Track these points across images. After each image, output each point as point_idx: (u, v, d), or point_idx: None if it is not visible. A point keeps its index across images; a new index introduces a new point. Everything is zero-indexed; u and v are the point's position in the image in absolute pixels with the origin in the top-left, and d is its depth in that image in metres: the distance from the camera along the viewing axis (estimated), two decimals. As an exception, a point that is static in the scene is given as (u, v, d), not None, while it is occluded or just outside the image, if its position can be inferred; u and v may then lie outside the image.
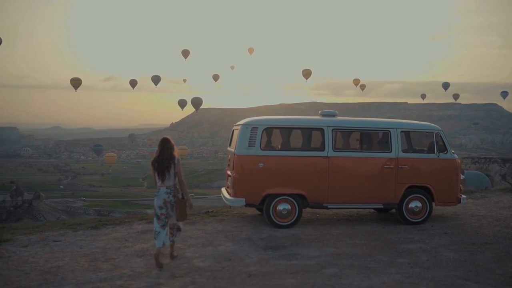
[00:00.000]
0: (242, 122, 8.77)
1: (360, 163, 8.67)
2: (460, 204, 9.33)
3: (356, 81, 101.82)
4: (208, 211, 10.09)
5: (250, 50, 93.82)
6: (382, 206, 8.82)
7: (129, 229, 8.20)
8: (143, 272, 5.81)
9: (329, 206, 8.64)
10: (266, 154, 8.40)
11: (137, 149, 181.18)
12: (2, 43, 61.03)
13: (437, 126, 9.17)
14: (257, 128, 8.42)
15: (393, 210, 9.19)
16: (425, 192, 8.81)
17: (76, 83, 76.18)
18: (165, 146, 6.33)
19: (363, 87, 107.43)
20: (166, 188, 6.22)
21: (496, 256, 6.71)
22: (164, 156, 6.27)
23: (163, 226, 6.19)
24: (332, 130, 8.57)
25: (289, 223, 8.39)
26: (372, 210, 10.00)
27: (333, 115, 9.08)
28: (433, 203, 8.89)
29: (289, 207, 8.39)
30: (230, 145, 9.24)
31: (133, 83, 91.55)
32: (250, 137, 8.36)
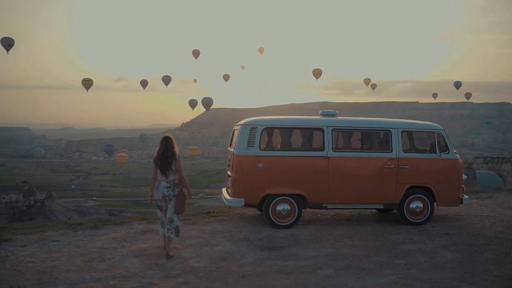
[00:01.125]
0: (241, 122, 8.76)
1: (360, 163, 8.61)
2: (464, 204, 9.23)
3: (367, 81, 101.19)
4: (209, 211, 10.10)
5: (261, 50, 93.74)
6: (382, 207, 8.76)
7: (128, 229, 8.23)
8: (137, 272, 5.82)
9: (329, 207, 8.60)
10: (265, 154, 8.37)
11: (148, 149, 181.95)
12: (15, 44, 61.75)
13: (438, 125, 9.08)
14: (256, 128, 8.40)
15: (395, 211, 9.12)
16: (427, 192, 8.72)
17: (87, 83, 76.74)
18: (168, 144, 6.71)
19: (374, 86, 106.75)
20: (167, 182, 6.59)
21: (496, 257, 6.62)
22: (167, 153, 6.64)
23: (165, 216, 6.67)
24: (332, 130, 8.52)
25: (288, 223, 8.36)
26: (374, 211, 9.93)
27: (334, 115, 9.03)
28: (435, 204, 8.80)
29: (289, 208, 8.36)
30: (230, 145, 9.23)
31: (144, 83, 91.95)
32: (249, 137, 8.34)
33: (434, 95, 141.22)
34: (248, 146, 8.33)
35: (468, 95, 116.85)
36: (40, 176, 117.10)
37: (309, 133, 8.76)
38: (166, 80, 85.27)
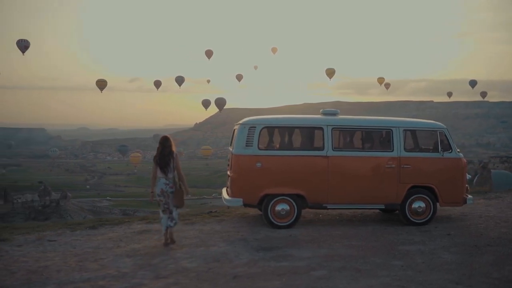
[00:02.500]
0: (240, 121, 8.69)
1: (360, 162, 8.48)
2: (469, 204, 9.06)
3: (380, 80, 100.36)
4: (211, 211, 10.05)
5: (274, 50, 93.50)
6: (383, 207, 8.63)
7: (126, 229, 8.21)
8: (128, 272, 5.78)
9: (328, 207, 8.49)
10: (264, 154, 8.29)
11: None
12: (30, 46, 62.49)
13: (441, 124, 8.91)
14: (255, 127, 8.32)
15: (398, 211, 8.97)
16: (429, 192, 8.56)
17: (101, 84, 77.33)
18: (166, 143, 7.16)
19: (387, 86, 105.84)
20: (166, 179, 7.05)
21: (496, 259, 6.45)
22: (165, 152, 7.10)
23: (164, 211, 7.08)
24: (331, 129, 8.41)
25: (287, 223, 8.26)
26: (377, 211, 9.78)
27: (334, 114, 8.91)
28: (438, 204, 8.63)
29: (288, 208, 8.26)
30: (230, 145, 9.17)
31: (157, 84, 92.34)
32: (247, 136, 8.27)
33: (449, 94, 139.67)
34: (246, 146, 8.26)
35: (483, 94, 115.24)
36: (55, 176, 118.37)
37: (309, 132, 8.64)
38: (179, 80, 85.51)
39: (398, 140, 8.49)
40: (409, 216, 8.52)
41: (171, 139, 7.22)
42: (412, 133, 8.88)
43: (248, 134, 8.27)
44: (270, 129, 8.58)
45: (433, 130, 8.77)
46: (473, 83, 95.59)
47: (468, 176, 8.98)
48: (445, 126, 8.83)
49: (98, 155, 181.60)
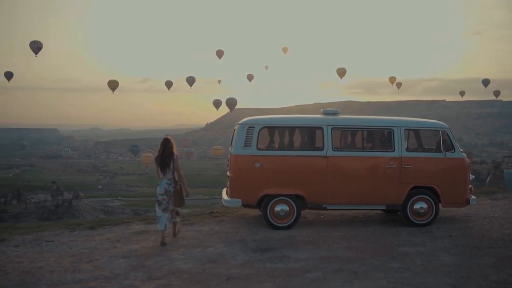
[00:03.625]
0: (240, 121, 8.64)
1: (360, 162, 8.38)
2: (474, 205, 8.97)
3: (392, 79, 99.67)
4: (212, 212, 10.01)
5: (284, 50, 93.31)
6: (384, 208, 8.52)
7: (125, 230, 8.19)
8: (121, 273, 5.75)
9: (328, 207, 8.40)
10: (263, 154, 8.22)
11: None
12: (43, 48, 63.01)
13: (444, 123, 8.77)
14: (254, 127, 8.26)
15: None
16: (431, 193, 8.43)
17: (113, 85, 77.72)
18: (166, 145, 7.40)
19: (399, 85, 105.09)
20: (167, 180, 7.27)
21: (496, 261, 6.31)
22: (165, 153, 7.33)
23: (164, 210, 7.26)
24: (331, 129, 8.31)
25: (287, 224, 8.18)
26: (379, 211, 9.66)
27: (335, 114, 8.82)
28: (440, 205, 8.50)
29: (287, 208, 8.19)
30: (231, 145, 9.11)
31: (168, 84, 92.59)
32: (246, 136, 8.21)
33: (462, 93, 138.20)
34: (245, 146, 8.20)
35: (496, 93, 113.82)
36: (68, 176, 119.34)
37: (308, 132, 8.55)
38: (190, 80, 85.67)
39: (399, 140, 8.37)
40: (410, 217, 8.40)
41: (172, 141, 7.47)
42: (414, 133, 8.76)
43: (246, 134, 8.22)
44: (269, 129, 8.51)
45: (435, 130, 8.64)
46: (486, 82, 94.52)
47: (471, 177, 8.82)
48: (447, 126, 8.69)
49: (110, 155, 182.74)
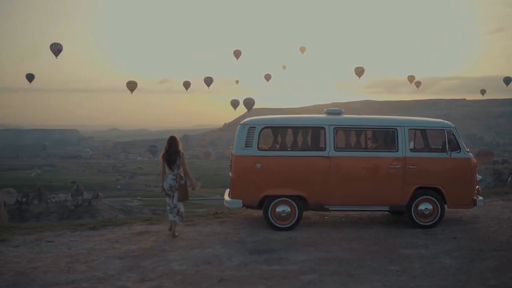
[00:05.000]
0: (241, 122, 8.59)
1: (363, 163, 8.24)
2: (483, 206, 8.85)
3: (411, 78, 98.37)
4: (216, 212, 9.98)
5: (302, 49, 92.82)
6: (388, 209, 8.37)
7: (126, 230, 8.20)
8: (115, 274, 5.75)
9: (330, 208, 8.29)
10: (264, 154, 8.15)
11: (191, 149, 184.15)
12: (63, 50, 63.89)
13: (449, 123, 8.58)
14: (255, 127, 8.20)
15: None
16: (436, 193, 8.25)
17: (132, 86, 78.33)
18: (173, 143, 7.78)
19: (418, 84, 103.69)
20: (173, 175, 7.67)
21: (499, 264, 6.13)
22: (171, 150, 7.72)
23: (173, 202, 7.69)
24: (334, 129, 8.20)
25: (288, 225, 8.10)
26: (385, 212, 9.50)
27: (339, 113, 8.70)
28: (446, 206, 8.32)
29: (289, 209, 8.11)
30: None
31: (186, 85, 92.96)
32: (247, 137, 8.15)
33: (483, 92, 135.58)
34: (246, 146, 8.14)
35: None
36: (87, 176, 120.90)
37: (310, 132, 8.46)
38: (208, 81, 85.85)
39: (403, 139, 8.21)
40: (415, 218, 8.23)
41: (178, 139, 7.85)
42: (418, 132, 8.60)
43: (247, 134, 8.16)
44: (270, 129, 8.44)
45: (440, 129, 8.46)
46: (507, 80, 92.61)
47: (478, 177, 8.61)
48: (453, 125, 8.50)
49: (129, 155, 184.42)
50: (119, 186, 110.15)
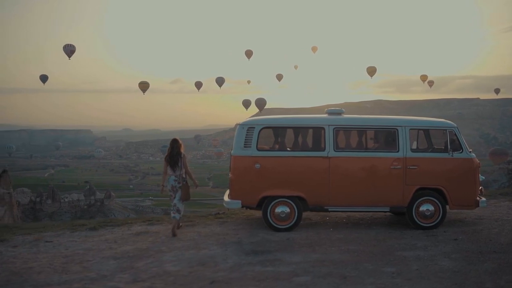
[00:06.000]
0: (240, 122, 8.55)
1: (363, 163, 8.15)
2: (486, 207, 8.68)
3: (423, 77, 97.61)
4: (218, 213, 9.95)
5: (314, 49, 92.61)
6: (388, 210, 8.27)
7: (125, 231, 8.21)
8: (107, 275, 5.74)
9: (330, 209, 8.21)
10: (263, 155, 8.11)
11: (203, 149, 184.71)
12: (76, 51, 64.40)
13: (451, 122, 8.45)
14: (254, 128, 8.16)
15: None
16: (438, 194, 8.14)
17: (144, 86, 78.74)
18: (175, 145, 8.09)
19: (431, 83, 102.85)
20: (175, 176, 8.01)
21: (497, 267, 6.01)
22: (174, 152, 8.02)
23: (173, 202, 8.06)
24: (333, 129, 8.13)
25: (287, 226, 8.05)
26: (388, 213, 9.40)
27: (339, 114, 8.63)
28: (447, 207, 8.20)
29: (288, 210, 8.06)
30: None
31: (198, 85, 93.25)
32: (246, 137, 8.12)
33: (497, 91, 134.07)
34: (245, 147, 8.11)
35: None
36: (100, 176, 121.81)
37: (309, 133, 8.40)
38: (220, 81, 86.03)
39: (403, 140, 8.12)
40: (416, 220, 8.13)
41: (180, 141, 8.16)
42: (419, 132, 8.49)
43: (246, 134, 8.12)
44: (270, 129, 8.40)
45: (442, 129, 8.35)
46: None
47: (481, 178, 8.47)
48: (455, 125, 8.37)
49: (141, 155, 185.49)
50: (131, 186, 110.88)
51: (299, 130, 8.45)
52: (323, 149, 8.09)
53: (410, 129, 8.22)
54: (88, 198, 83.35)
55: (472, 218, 9.00)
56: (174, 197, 8.02)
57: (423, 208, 8.12)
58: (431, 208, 8.12)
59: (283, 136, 8.44)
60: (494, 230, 8.07)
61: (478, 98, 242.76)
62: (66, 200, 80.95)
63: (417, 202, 8.12)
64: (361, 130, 8.50)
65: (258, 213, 9.35)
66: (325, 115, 8.55)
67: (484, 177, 8.69)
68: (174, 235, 7.74)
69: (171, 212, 8.09)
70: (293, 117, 8.85)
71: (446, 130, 8.25)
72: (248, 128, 8.17)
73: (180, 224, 8.25)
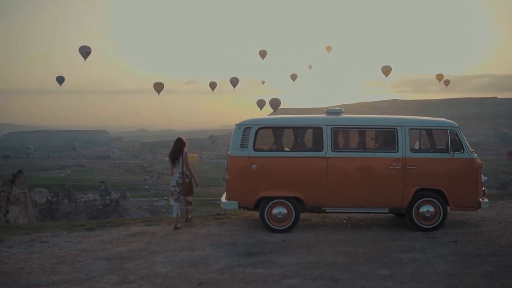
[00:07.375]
0: (238, 122, 8.49)
1: (362, 164, 8.03)
2: (489, 208, 8.56)
3: (439, 76, 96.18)
4: (218, 213, 9.90)
5: (328, 49, 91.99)
6: (387, 211, 8.13)
7: (122, 231, 8.20)
8: (96, 276, 5.73)
9: (328, 210, 8.11)
10: (260, 155, 8.03)
11: (217, 149, 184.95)
12: (92, 52, 65.00)
13: (452, 122, 8.27)
14: (251, 128, 8.09)
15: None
16: (438, 195, 7.98)
17: (158, 87, 78.99)
18: (176, 143, 8.64)
19: (447, 82, 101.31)
20: (178, 173, 8.48)
21: (494, 270, 5.85)
22: (175, 149, 8.57)
23: (176, 200, 8.47)
24: (331, 129, 8.02)
25: (285, 227, 7.96)
26: (389, 214, 9.24)
27: (338, 113, 8.51)
28: (448, 208, 8.03)
29: (285, 211, 7.97)
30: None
31: (212, 85, 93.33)
32: (242, 137, 8.05)
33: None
34: (241, 147, 8.04)
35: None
36: (116, 177, 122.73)
37: (307, 133, 8.31)
38: (234, 81, 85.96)
39: (403, 140, 7.97)
40: (416, 221, 7.97)
41: (183, 140, 8.68)
42: (419, 132, 8.34)
43: (243, 135, 8.06)
44: (267, 129, 8.31)
45: (442, 129, 8.18)
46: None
47: (483, 178, 8.28)
48: (456, 125, 8.20)
49: (156, 155, 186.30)
50: (146, 186, 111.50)
51: (296, 130, 8.36)
52: (321, 149, 7.98)
53: (410, 129, 8.07)
54: (104, 198, 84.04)
55: (475, 219, 8.80)
56: (178, 192, 8.47)
57: (423, 209, 7.96)
58: (432, 209, 7.95)
59: (280, 136, 8.34)
60: (496, 232, 7.87)
61: (496, 97, 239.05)
62: (82, 200, 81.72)
63: (417, 203, 7.96)
64: (360, 130, 8.37)
65: (258, 214, 9.29)
66: (323, 115, 8.45)
67: (486, 178, 8.49)
68: (176, 227, 8.24)
69: (175, 208, 8.40)
70: (291, 117, 8.76)
71: (447, 129, 8.08)
72: (245, 128, 8.10)
73: (190, 215, 8.85)
